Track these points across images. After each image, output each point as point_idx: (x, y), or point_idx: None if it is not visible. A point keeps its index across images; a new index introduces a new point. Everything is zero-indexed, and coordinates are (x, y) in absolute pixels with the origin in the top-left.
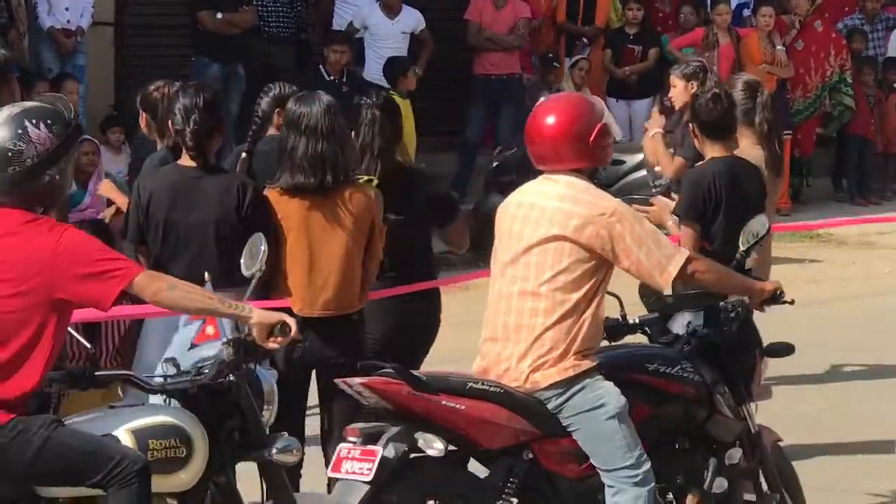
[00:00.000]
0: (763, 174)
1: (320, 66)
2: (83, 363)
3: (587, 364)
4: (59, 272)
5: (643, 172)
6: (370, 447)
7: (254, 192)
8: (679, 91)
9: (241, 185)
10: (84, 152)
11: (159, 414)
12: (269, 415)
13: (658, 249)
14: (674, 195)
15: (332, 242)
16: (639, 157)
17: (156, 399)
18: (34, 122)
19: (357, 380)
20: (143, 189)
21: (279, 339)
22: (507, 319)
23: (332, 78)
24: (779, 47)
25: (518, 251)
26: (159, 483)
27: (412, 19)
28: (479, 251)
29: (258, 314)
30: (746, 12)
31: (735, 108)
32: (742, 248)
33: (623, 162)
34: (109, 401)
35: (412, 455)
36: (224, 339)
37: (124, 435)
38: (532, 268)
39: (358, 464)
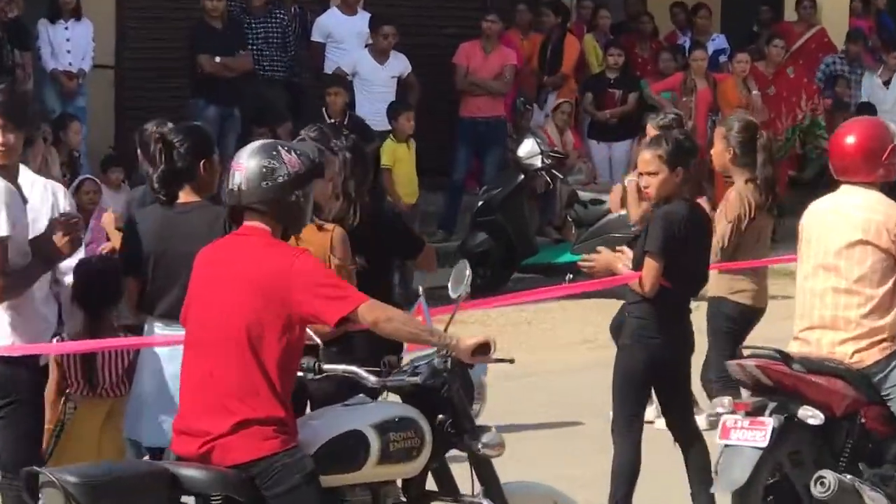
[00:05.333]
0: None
1: (323, 110)
2: (82, 391)
3: None
4: (294, 289)
5: (623, 212)
6: (760, 418)
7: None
8: None
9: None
10: (85, 191)
11: (395, 410)
12: (479, 407)
13: None
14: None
15: None
16: None
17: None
18: (286, 148)
19: (751, 361)
20: (134, 224)
21: (479, 357)
22: (824, 312)
23: (333, 121)
24: (754, 92)
25: (828, 254)
26: (395, 471)
27: (400, 64)
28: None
29: (462, 345)
30: (723, 58)
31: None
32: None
33: (603, 202)
34: (114, 420)
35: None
36: (437, 349)
37: (369, 430)
38: (842, 269)
39: (749, 432)
